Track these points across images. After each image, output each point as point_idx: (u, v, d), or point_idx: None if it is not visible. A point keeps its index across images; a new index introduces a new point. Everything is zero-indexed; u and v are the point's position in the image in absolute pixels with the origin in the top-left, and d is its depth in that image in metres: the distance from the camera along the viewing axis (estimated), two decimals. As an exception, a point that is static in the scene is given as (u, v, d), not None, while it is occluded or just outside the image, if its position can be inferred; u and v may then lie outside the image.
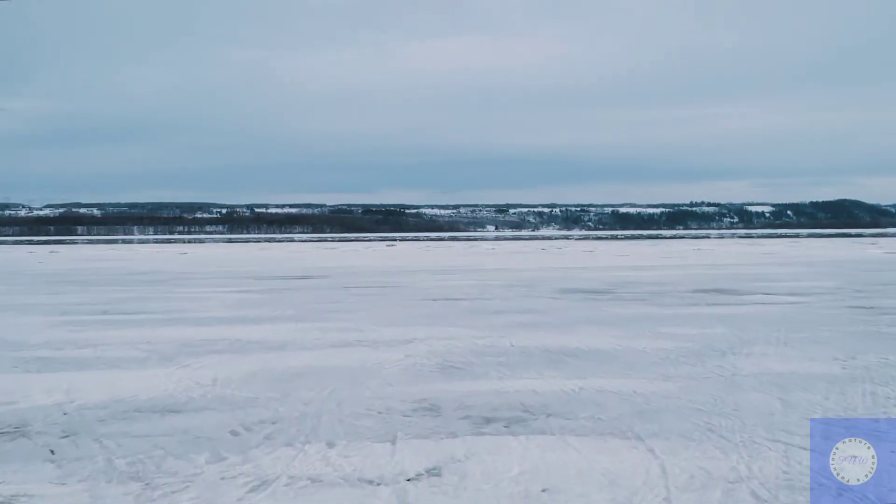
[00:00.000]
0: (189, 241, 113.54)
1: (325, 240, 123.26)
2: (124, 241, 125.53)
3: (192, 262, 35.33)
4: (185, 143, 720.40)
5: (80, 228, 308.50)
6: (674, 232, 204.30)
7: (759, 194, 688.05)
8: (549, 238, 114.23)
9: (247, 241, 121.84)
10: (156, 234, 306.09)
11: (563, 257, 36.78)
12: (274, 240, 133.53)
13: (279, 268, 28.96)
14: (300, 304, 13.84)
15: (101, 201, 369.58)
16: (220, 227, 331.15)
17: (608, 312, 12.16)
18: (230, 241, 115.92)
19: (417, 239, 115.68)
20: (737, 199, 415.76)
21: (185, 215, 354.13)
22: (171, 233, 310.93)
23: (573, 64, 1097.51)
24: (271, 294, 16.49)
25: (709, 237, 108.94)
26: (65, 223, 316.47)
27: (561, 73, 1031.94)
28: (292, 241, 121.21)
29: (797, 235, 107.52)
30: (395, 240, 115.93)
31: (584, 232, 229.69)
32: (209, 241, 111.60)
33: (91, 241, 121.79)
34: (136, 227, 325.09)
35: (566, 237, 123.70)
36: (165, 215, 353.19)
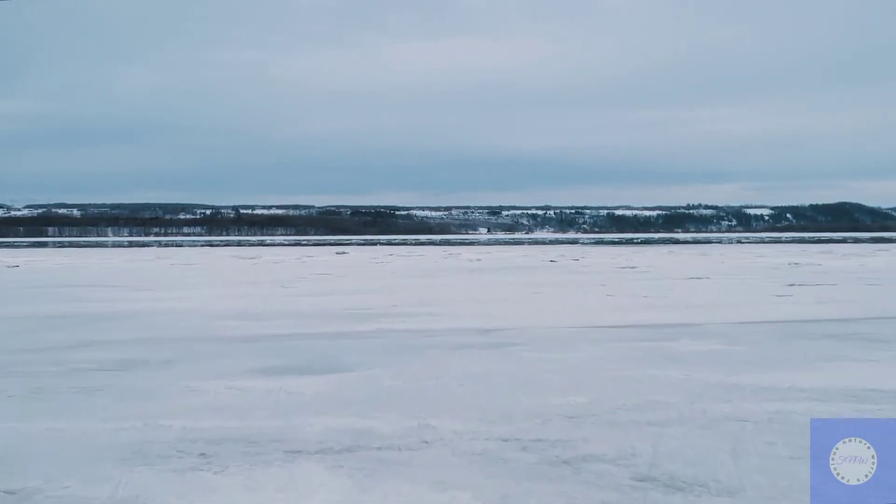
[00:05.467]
0: (158, 245, 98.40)
1: (299, 243, 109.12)
2: (52, 246, 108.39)
3: None
4: (176, 143, 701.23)
5: (50, 230, 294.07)
6: (692, 235, 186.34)
7: (755, 197, 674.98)
8: (552, 243, 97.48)
9: (194, 244, 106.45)
10: (131, 235, 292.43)
11: (599, 281, 20.37)
12: (246, 242, 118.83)
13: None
14: None
15: (88, 202, 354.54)
16: (199, 229, 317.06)
17: None
18: (188, 244, 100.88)
19: (405, 243, 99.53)
20: (733, 202, 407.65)
21: (169, 216, 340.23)
22: (148, 234, 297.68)
23: (566, 65, 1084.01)
24: None
25: (733, 242, 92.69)
26: (36, 224, 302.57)
27: (554, 74, 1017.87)
28: (263, 244, 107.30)
29: (843, 240, 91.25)
30: (377, 243, 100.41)
31: (591, 235, 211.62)
32: (153, 246, 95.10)
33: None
34: (109, 229, 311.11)
35: (573, 241, 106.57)
36: (148, 216, 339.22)
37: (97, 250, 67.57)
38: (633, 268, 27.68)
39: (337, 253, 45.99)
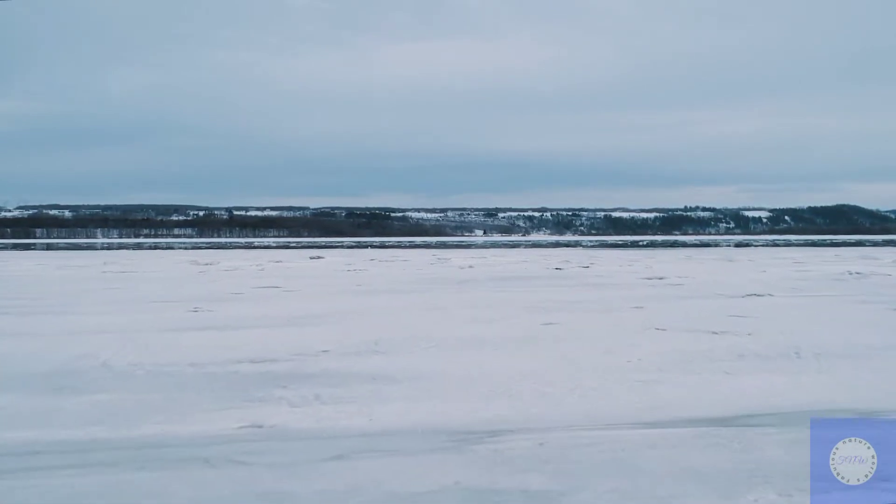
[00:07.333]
0: (136, 248, 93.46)
1: (288, 245, 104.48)
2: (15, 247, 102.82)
3: None
4: (171, 144, 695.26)
5: (38, 231, 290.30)
6: (697, 238, 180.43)
7: (752, 199, 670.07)
8: (552, 246, 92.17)
9: (183, 246, 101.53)
10: (121, 237, 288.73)
11: (631, 301, 15.00)
12: (236, 244, 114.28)
13: None
14: None
15: (81, 203, 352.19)
16: (191, 230, 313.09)
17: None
18: (178, 246, 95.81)
19: (399, 245, 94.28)
20: (730, 204, 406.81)
21: (161, 217, 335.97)
22: (138, 235, 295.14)
23: (562, 67, 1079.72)
24: None
25: (733, 245, 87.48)
26: (25, 225, 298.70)
27: (550, 76, 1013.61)
28: (251, 246, 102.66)
29: (859, 243, 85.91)
30: (367, 246, 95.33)
31: (591, 238, 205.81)
32: (129, 248, 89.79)
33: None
34: (99, 230, 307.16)
35: (575, 244, 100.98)
36: (140, 217, 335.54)
37: (55, 253, 62.10)
38: (661, 278, 22.34)
39: (311, 258, 40.47)
